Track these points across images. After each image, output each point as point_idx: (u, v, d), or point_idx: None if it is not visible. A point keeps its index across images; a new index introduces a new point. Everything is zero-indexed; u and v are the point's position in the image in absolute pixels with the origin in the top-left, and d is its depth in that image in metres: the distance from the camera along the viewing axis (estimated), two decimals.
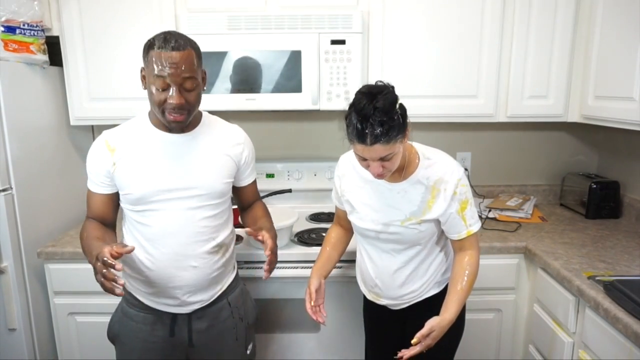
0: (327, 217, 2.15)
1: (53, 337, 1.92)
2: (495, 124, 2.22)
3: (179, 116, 1.23)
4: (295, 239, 1.88)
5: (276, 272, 1.76)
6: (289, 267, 1.77)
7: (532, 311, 1.81)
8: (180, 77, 1.20)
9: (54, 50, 1.98)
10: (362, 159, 1.24)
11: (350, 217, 1.45)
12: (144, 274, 1.33)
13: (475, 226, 1.36)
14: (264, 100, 1.93)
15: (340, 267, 1.76)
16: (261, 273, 1.73)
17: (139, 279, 1.36)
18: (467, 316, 1.52)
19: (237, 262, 1.67)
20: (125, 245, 1.20)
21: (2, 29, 1.76)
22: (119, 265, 1.09)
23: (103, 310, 1.81)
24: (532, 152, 2.43)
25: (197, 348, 1.41)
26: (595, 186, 2.14)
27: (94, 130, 2.37)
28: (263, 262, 1.75)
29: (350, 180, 1.43)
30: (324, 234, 1.91)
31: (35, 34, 1.86)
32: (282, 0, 1.95)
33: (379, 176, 1.27)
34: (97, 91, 2.00)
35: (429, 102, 2.01)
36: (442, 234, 1.42)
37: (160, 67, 1.18)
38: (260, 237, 1.34)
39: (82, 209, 2.21)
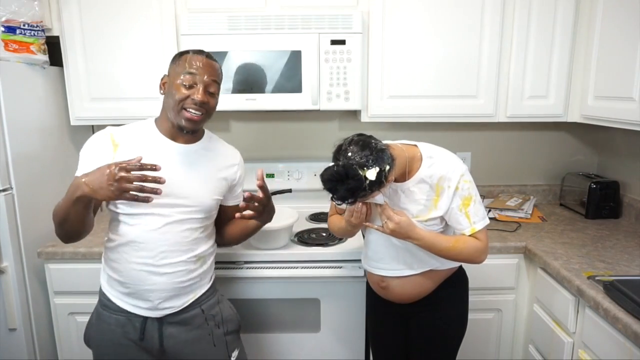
0: (327, 217, 2.15)
1: (53, 337, 1.92)
2: (495, 124, 2.22)
3: (196, 115, 1.29)
4: (295, 239, 1.88)
5: (276, 272, 1.77)
6: (289, 267, 1.77)
7: (532, 311, 1.81)
8: (209, 78, 1.30)
9: (54, 50, 1.98)
10: None
11: None
12: (121, 273, 1.35)
13: (480, 224, 1.35)
14: (264, 100, 1.93)
15: (340, 267, 1.76)
16: (261, 273, 1.75)
17: (115, 279, 1.37)
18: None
19: (236, 262, 1.67)
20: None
21: (3, 29, 1.76)
22: (158, 166, 1.17)
23: None
24: (532, 152, 2.43)
25: (170, 353, 1.41)
26: (595, 186, 2.14)
27: (94, 131, 2.36)
28: (263, 262, 1.77)
29: None
30: (324, 234, 1.92)
31: (36, 34, 1.86)
32: (282, 0, 1.95)
33: None
34: (97, 91, 2.00)
35: (429, 102, 2.01)
36: (446, 232, 1.42)
37: (192, 65, 1.29)
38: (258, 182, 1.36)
39: None
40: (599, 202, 2.13)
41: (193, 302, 1.41)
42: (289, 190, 2.19)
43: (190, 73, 1.28)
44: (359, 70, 1.92)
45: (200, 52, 1.34)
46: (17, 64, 1.80)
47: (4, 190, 1.71)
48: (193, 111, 1.29)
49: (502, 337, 1.94)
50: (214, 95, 1.34)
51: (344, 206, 1.30)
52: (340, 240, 1.86)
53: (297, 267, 1.77)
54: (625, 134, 2.16)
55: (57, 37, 1.96)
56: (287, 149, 2.41)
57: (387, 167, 1.19)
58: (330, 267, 1.77)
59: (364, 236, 1.59)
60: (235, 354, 1.50)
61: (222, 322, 1.47)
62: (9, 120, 1.72)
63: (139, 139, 1.35)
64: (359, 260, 1.60)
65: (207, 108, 1.31)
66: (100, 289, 1.44)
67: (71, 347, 1.92)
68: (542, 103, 2.03)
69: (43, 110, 1.96)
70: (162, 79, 1.36)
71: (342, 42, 1.89)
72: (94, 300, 1.83)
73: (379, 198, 1.30)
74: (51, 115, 2.01)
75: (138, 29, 1.94)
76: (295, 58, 1.89)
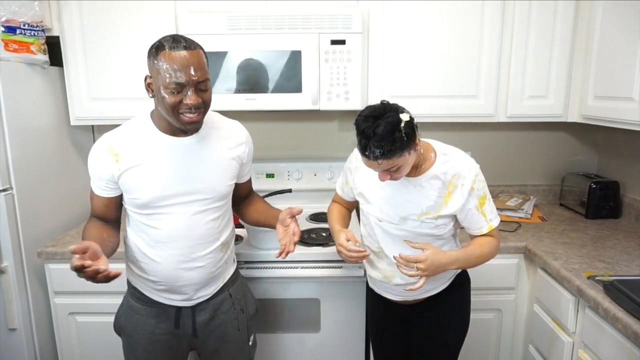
0: (327, 217, 2.15)
1: (53, 337, 1.92)
2: (495, 124, 2.22)
3: (195, 116, 1.22)
4: None
5: (276, 272, 1.77)
6: (289, 267, 1.77)
7: (532, 311, 1.81)
8: (195, 76, 1.19)
9: (54, 50, 1.98)
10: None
11: (365, 207, 1.44)
12: (152, 273, 1.36)
13: (496, 220, 1.38)
14: (264, 101, 1.93)
15: (340, 267, 1.76)
16: (261, 273, 1.75)
17: (146, 277, 1.38)
18: None
19: (237, 262, 1.67)
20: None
21: (3, 29, 1.76)
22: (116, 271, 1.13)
23: (103, 310, 1.81)
24: (532, 152, 2.43)
25: (201, 338, 1.45)
26: (595, 186, 2.14)
27: (94, 130, 2.37)
28: (263, 262, 1.77)
29: (364, 173, 1.42)
30: (324, 234, 1.92)
31: (36, 34, 1.86)
32: (282, 0, 1.95)
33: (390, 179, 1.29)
34: (97, 91, 2.00)
35: (429, 102, 2.01)
36: (455, 229, 1.42)
37: (174, 68, 1.16)
38: (295, 212, 1.42)
39: (82, 209, 2.23)
40: (599, 202, 2.13)
41: (222, 286, 1.45)
42: (289, 190, 2.19)
43: (175, 78, 1.17)
44: (359, 70, 1.92)
45: (176, 43, 1.18)
46: (17, 64, 1.80)
47: (4, 190, 1.71)
48: (190, 114, 1.21)
49: (502, 337, 1.94)
50: (207, 90, 1.24)
51: (377, 164, 1.21)
52: None
53: (297, 267, 1.77)
54: (625, 134, 2.16)
55: (57, 37, 1.96)
56: (287, 149, 2.41)
57: (415, 121, 1.22)
58: (330, 267, 1.76)
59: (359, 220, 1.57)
60: (252, 338, 1.55)
61: (246, 306, 1.52)
62: (9, 120, 1.71)
63: (138, 142, 1.30)
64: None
65: (204, 106, 1.24)
66: (129, 282, 1.45)
67: (71, 347, 1.92)
68: (542, 103, 2.03)
69: (43, 110, 1.96)
70: (145, 80, 1.25)
71: (342, 42, 1.89)
72: (94, 300, 1.84)
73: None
74: (51, 115, 2.01)
75: (138, 29, 1.94)
76: (295, 58, 1.89)
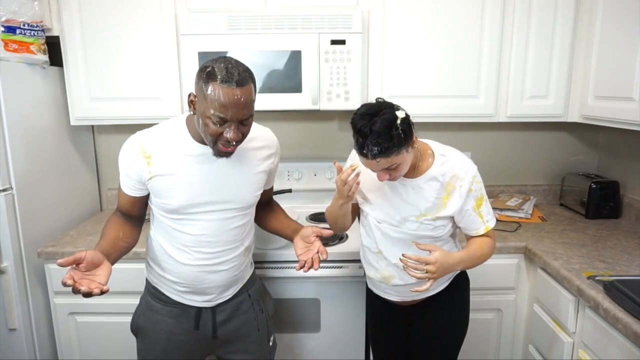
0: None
1: (53, 337, 1.92)
2: (495, 124, 2.22)
3: (231, 148, 1.22)
4: None
5: (276, 272, 1.77)
6: (289, 267, 1.77)
7: (532, 311, 1.81)
8: (240, 115, 1.17)
9: (54, 50, 1.98)
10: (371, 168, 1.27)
11: (364, 208, 1.44)
12: (176, 275, 1.37)
13: (492, 221, 1.38)
14: (264, 100, 1.93)
15: (340, 267, 1.76)
16: (261, 273, 1.75)
17: (169, 278, 1.39)
18: None
19: None
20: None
21: (2, 29, 1.76)
22: (105, 287, 1.12)
23: (103, 310, 1.81)
24: (532, 152, 2.43)
25: (220, 339, 1.45)
26: (595, 186, 2.14)
27: (94, 130, 2.37)
28: (263, 261, 1.77)
29: (363, 172, 1.41)
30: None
31: (36, 34, 1.86)
32: (282, 0, 1.95)
33: (390, 181, 1.28)
34: (97, 91, 2.00)
35: (429, 102, 2.01)
36: (454, 229, 1.42)
37: (222, 103, 1.13)
38: (325, 234, 1.45)
39: (82, 209, 2.23)
40: (599, 202, 2.13)
41: (241, 288, 1.46)
42: (289, 190, 2.19)
43: (221, 112, 1.14)
44: (359, 70, 1.92)
45: (229, 76, 1.13)
46: (17, 64, 1.80)
47: (4, 190, 1.71)
48: (227, 147, 1.21)
49: (502, 337, 1.94)
50: (248, 124, 1.23)
51: (376, 163, 1.20)
52: (341, 240, 1.86)
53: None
54: (625, 134, 2.16)
55: (57, 37, 1.96)
56: (286, 148, 2.39)
57: (411, 118, 1.22)
58: (330, 267, 1.77)
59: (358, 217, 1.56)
60: (272, 338, 1.56)
61: (265, 307, 1.53)
62: (9, 120, 1.71)
63: (171, 147, 1.28)
64: (359, 261, 1.60)
65: (242, 138, 1.23)
66: (148, 282, 1.46)
67: (71, 347, 1.91)
68: (542, 103, 2.03)
69: (43, 110, 1.96)
70: (189, 96, 1.22)
71: (342, 42, 1.89)
72: (94, 300, 1.82)
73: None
74: (51, 115, 2.01)
75: (138, 28, 1.94)
76: (295, 58, 1.89)
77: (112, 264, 1.23)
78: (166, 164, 1.28)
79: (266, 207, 1.58)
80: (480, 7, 1.93)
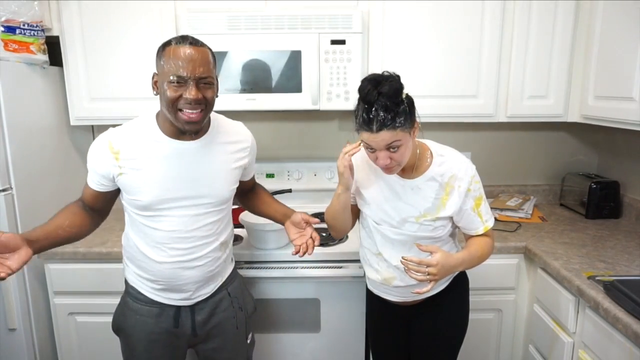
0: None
1: (53, 337, 1.92)
2: (495, 124, 2.22)
3: (194, 114, 1.20)
4: None
5: (276, 272, 1.77)
6: (289, 267, 1.77)
7: (532, 311, 1.81)
8: (197, 72, 1.18)
9: (54, 50, 1.98)
10: (371, 151, 1.24)
11: (363, 209, 1.44)
12: (151, 273, 1.36)
13: (491, 221, 1.38)
14: (264, 100, 1.93)
15: (340, 267, 1.76)
16: (261, 273, 1.75)
17: (145, 277, 1.38)
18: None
19: (237, 262, 1.67)
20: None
21: (2, 29, 1.76)
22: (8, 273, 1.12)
23: (103, 310, 1.81)
24: (532, 152, 2.43)
25: (200, 337, 1.46)
26: (595, 186, 2.14)
27: (94, 130, 2.37)
28: (263, 262, 1.77)
29: (363, 173, 1.41)
30: (324, 234, 1.91)
31: (35, 34, 1.86)
32: (282, 1, 1.95)
33: (388, 170, 1.26)
34: (97, 91, 2.00)
35: (429, 102, 2.01)
36: (453, 230, 1.42)
37: (177, 61, 1.16)
38: (313, 221, 1.46)
39: None
40: (599, 202, 2.13)
41: (221, 285, 1.46)
42: (289, 190, 2.19)
43: (177, 70, 1.16)
44: (359, 70, 1.92)
45: (183, 39, 1.19)
46: (17, 63, 1.80)
47: (4, 190, 1.71)
48: (189, 111, 1.19)
49: (502, 337, 1.94)
50: (210, 86, 1.22)
51: (380, 138, 1.17)
52: (340, 240, 1.86)
53: (297, 267, 1.77)
54: (625, 134, 2.16)
55: (57, 37, 1.96)
56: (287, 148, 2.41)
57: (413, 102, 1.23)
58: (330, 267, 1.77)
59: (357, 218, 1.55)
60: (250, 336, 1.57)
61: (244, 305, 1.53)
62: (9, 120, 1.71)
63: (140, 143, 1.28)
64: (359, 261, 1.60)
65: (205, 102, 1.21)
66: (127, 282, 1.45)
67: (71, 347, 1.91)
68: (542, 103, 2.03)
69: (43, 110, 1.96)
70: (152, 78, 1.25)
71: (342, 42, 1.89)
72: (94, 300, 1.84)
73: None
74: (51, 115, 2.01)
75: (138, 28, 1.94)
76: (295, 58, 1.89)
77: (40, 251, 1.24)
78: (135, 159, 1.27)
79: (250, 193, 1.60)
80: (480, 7, 1.93)
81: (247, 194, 1.61)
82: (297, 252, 1.43)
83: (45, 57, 1.93)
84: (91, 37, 1.95)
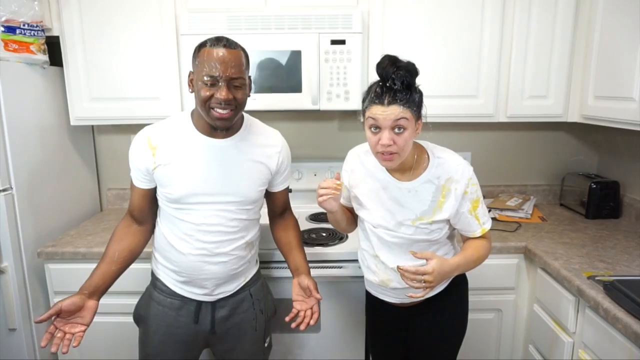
0: (327, 217, 2.14)
1: (53, 337, 1.91)
2: (495, 124, 2.22)
3: (225, 113, 1.25)
4: None
5: (276, 272, 1.77)
6: (288, 267, 1.76)
7: (532, 311, 1.81)
8: (229, 73, 1.23)
9: (54, 50, 1.98)
10: (375, 131, 1.23)
11: (360, 213, 1.44)
12: (176, 264, 1.40)
13: (488, 223, 1.38)
14: (264, 100, 1.93)
15: (340, 267, 1.76)
16: (264, 272, 1.75)
17: (170, 268, 1.42)
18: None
19: None
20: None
21: (2, 29, 1.76)
22: (75, 343, 1.32)
23: (103, 310, 1.80)
24: (532, 152, 2.43)
25: (218, 335, 1.47)
26: (595, 186, 2.14)
27: (94, 130, 2.37)
28: (262, 261, 1.76)
29: (359, 176, 1.42)
30: (324, 234, 1.92)
31: (36, 34, 1.86)
32: (282, 0, 1.95)
33: (388, 158, 1.23)
34: (97, 91, 2.00)
35: (429, 102, 1.96)
36: (451, 232, 1.41)
37: (210, 62, 1.22)
38: (316, 297, 1.45)
39: (82, 209, 2.23)
40: (599, 202, 2.13)
41: (243, 285, 1.48)
42: (289, 190, 2.18)
43: (210, 71, 1.22)
44: (359, 70, 1.92)
45: (218, 41, 1.24)
46: (17, 64, 1.80)
47: (4, 190, 1.71)
48: (220, 110, 1.25)
49: (502, 337, 1.94)
50: (242, 87, 1.27)
51: (389, 112, 1.19)
52: (341, 240, 1.86)
53: None
54: (625, 134, 2.16)
55: (57, 37, 1.96)
56: None
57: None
58: (330, 267, 1.77)
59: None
60: (268, 339, 1.58)
61: (265, 307, 1.54)
62: (9, 120, 1.71)
63: (175, 139, 1.34)
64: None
65: (235, 103, 1.26)
66: (153, 273, 1.49)
67: (71, 347, 1.91)
68: (542, 103, 2.03)
69: (43, 110, 1.96)
70: (189, 76, 1.32)
71: (342, 42, 1.89)
72: None
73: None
74: (51, 115, 2.01)
75: (138, 28, 1.94)
76: (295, 58, 1.89)
77: (103, 294, 1.37)
78: (170, 153, 1.33)
79: (279, 220, 1.59)
80: (480, 6, 1.93)
81: (276, 220, 1.59)
82: (291, 320, 1.41)
83: (46, 57, 1.93)
84: (91, 37, 1.95)
